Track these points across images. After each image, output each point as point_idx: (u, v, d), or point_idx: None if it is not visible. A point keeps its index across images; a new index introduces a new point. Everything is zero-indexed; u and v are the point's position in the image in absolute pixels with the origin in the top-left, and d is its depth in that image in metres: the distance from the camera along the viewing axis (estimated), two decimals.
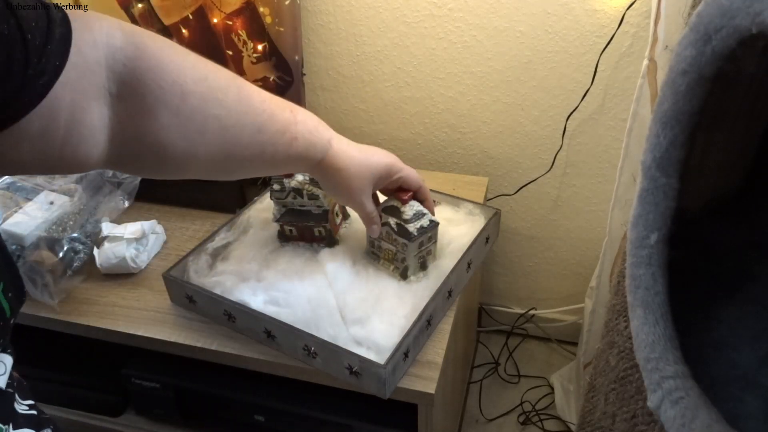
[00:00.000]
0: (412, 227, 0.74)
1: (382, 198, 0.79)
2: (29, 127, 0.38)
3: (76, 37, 0.39)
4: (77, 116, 0.40)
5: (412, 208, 0.75)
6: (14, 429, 0.44)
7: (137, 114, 0.44)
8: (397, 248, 0.77)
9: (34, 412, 0.48)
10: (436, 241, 0.80)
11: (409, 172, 0.74)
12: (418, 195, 0.76)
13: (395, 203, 0.76)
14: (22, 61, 0.35)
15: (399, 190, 0.76)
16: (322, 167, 0.64)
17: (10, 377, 0.45)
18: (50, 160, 0.41)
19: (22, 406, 0.47)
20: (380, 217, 0.76)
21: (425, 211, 0.77)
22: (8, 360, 0.45)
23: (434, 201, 0.92)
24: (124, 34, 0.43)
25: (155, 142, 0.46)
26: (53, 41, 0.37)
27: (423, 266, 0.79)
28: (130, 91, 0.43)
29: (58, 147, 0.40)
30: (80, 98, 0.40)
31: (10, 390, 0.45)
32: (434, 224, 0.77)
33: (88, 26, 0.41)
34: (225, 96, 0.50)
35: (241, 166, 0.56)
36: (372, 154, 0.69)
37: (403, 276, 0.78)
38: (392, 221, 0.76)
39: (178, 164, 0.49)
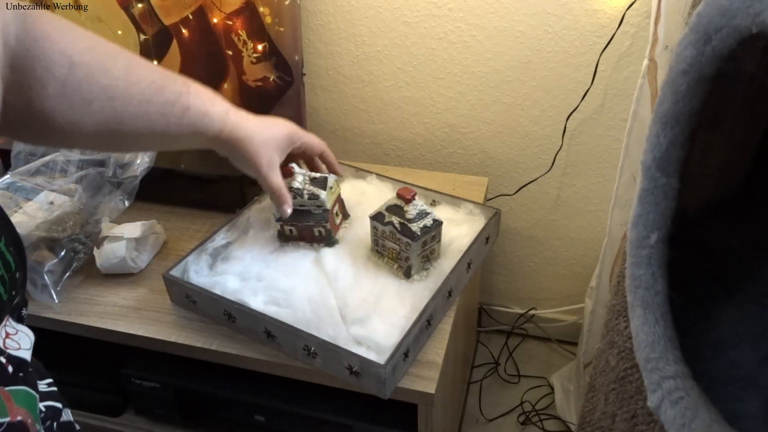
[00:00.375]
0: (415, 226, 0.74)
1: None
2: None
3: None
4: None
5: (415, 207, 0.76)
6: (40, 401, 0.45)
7: (26, 84, 0.46)
8: (401, 247, 0.77)
9: (54, 389, 0.49)
10: (439, 240, 0.80)
11: (311, 137, 0.75)
12: (322, 158, 0.79)
13: (399, 202, 0.76)
14: None
15: (402, 189, 0.76)
16: (222, 140, 0.65)
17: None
18: None
19: (42, 385, 0.48)
20: (383, 216, 0.76)
21: (429, 210, 0.77)
22: (32, 335, 0.46)
23: (434, 201, 0.92)
24: (14, 11, 0.46)
25: (42, 111, 0.48)
26: None
27: (426, 265, 0.79)
28: (20, 63, 0.45)
29: None
30: None
31: (29, 369, 0.46)
32: (438, 223, 0.77)
33: None
34: (112, 66, 0.52)
35: (133, 137, 0.56)
36: (272, 123, 0.70)
37: (407, 275, 0.78)
38: (396, 220, 0.76)
39: (65, 133, 0.51)
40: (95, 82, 0.50)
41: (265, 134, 0.68)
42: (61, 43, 0.48)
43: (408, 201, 0.75)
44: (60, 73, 0.48)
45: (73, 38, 0.49)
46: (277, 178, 0.72)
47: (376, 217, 0.78)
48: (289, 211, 0.75)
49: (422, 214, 0.76)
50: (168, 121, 0.58)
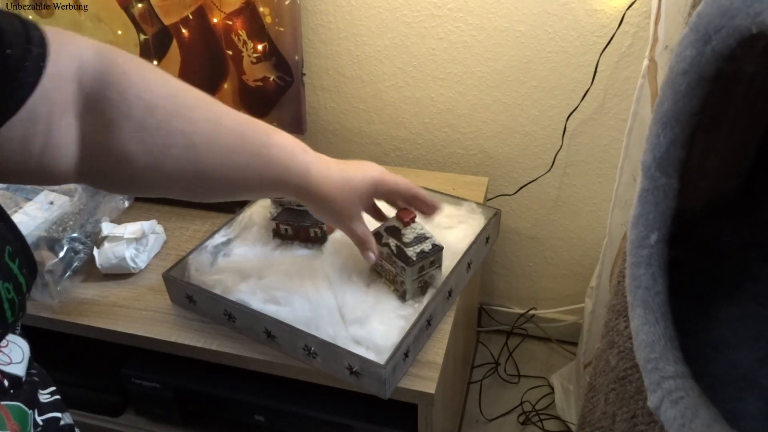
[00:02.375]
0: (411, 251, 0.72)
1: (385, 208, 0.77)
2: (10, 134, 0.40)
3: (52, 52, 0.42)
4: (54, 126, 0.43)
5: (413, 230, 0.73)
6: (39, 415, 0.46)
7: (102, 126, 0.46)
8: (397, 271, 0.74)
9: (57, 397, 0.49)
10: (439, 266, 0.76)
11: (399, 182, 0.69)
12: (414, 202, 0.72)
13: (396, 224, 0.74)
14: (1, 73, 0.39)
15: (401, 210, 0.74)
16: (302, 193, 0.61)
17: (31, 366, 0.47)
18: (29, 169, 0.43)
19: (44, 396, 0.48)
20: (381, 236, 0.74)
21: (428, 234, 0.74)
22: (25, 346, 0.46)
23: None
24: (96, 51, 0.46)
25: (119, 154, 0.47)
26: (31, 57, 0.40)
27: (423, 291, 0.76)
28: (96, 104, 0.45)
29: (36, 156, 0.43)
30: (56, 110, 0.43)
31: (35, 379, 0.47)
32: (437, 249, 0.74)
33: (63, 42, 0.43)
34: (193, 113, 0.50)
35: (214, 187, 0.55)
36: (355, 173, 0.65)
37: (402, 299, 0.75)
38: (393, 243, 0.73)
39: (146, 179, 0.50)
40: (174, 127, 0.49)
41: (347, 188, 0.64)
42: (139, 86, 0.47)
43: (406, 224, 0.72)
44: (137, 116, 0.46)
45: (153, 82, 0.48)
46: (361, 228, 0.69)
47: (374, 237, 0.75)
48: (374, 258, 0.71)
49: (420, 239, 0.72)
50: (247, 173, 0.55)
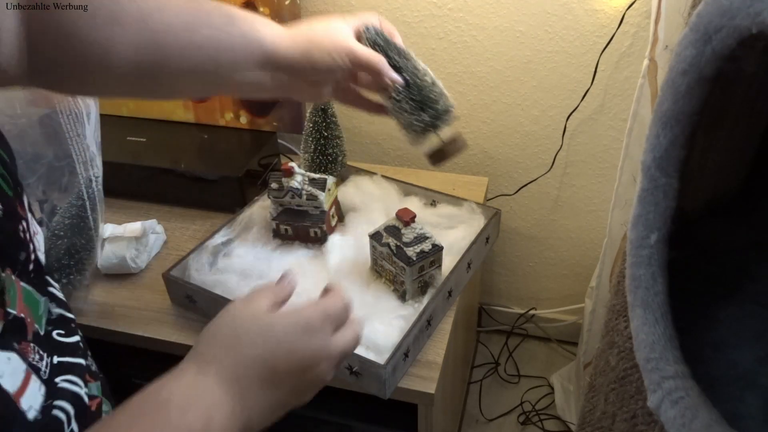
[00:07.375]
0: (411, 251, 0.72)
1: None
2: None
3: None
4: None
5: (413, 230, 0.73)
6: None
7: (43, 8, 0.42)
8: (397, 270, 0.74)
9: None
10: (439, 266, 0.76)
11: (371, 57, 0.57)
12: (377, 78, 0.59)
13: (396, 223, 0.74)
14: None
15: (401, 210, 0.74)
16: (269, 65, 0.53)
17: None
18: None
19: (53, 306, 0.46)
20: (381, 236, 0.74)
21: (429, 234, 0.74)
22: (41, 234, 0.45)
23: (434, 201, 0.92)
24: None
25: (66, 35, 0.43)
26: None
27: (423, 291, 0.76)
28: None
29: None
30: None
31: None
32: (437, 249, 0.74)
33: None
34: None
35: (171, 74, 0.49)
36: (322, 39, 0.54)
37: (402, 299, 0.75)
38: (393, 243, 0.73)
39: (98, 65, 0.45)
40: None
41: (337, 19, 0.56)
42: None
43: (406, 224, 0.73)
44: None
45: None
46: (364, 49, 0.56)
47: (375, 237, 0.76)
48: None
49: (420, 239, 0.73)
50: (208, 52, 0.49)
